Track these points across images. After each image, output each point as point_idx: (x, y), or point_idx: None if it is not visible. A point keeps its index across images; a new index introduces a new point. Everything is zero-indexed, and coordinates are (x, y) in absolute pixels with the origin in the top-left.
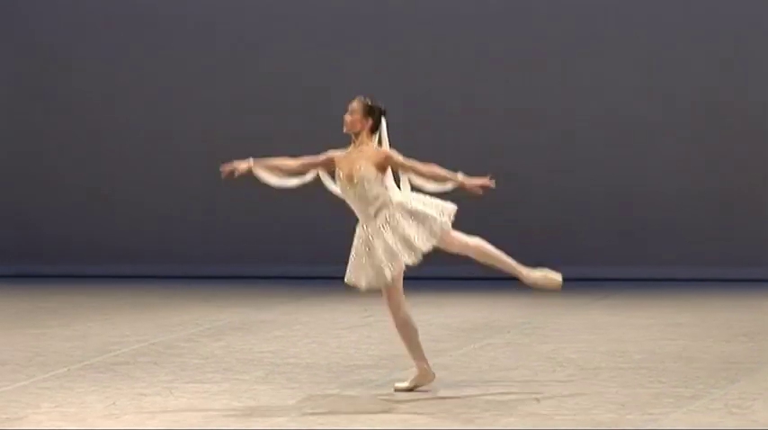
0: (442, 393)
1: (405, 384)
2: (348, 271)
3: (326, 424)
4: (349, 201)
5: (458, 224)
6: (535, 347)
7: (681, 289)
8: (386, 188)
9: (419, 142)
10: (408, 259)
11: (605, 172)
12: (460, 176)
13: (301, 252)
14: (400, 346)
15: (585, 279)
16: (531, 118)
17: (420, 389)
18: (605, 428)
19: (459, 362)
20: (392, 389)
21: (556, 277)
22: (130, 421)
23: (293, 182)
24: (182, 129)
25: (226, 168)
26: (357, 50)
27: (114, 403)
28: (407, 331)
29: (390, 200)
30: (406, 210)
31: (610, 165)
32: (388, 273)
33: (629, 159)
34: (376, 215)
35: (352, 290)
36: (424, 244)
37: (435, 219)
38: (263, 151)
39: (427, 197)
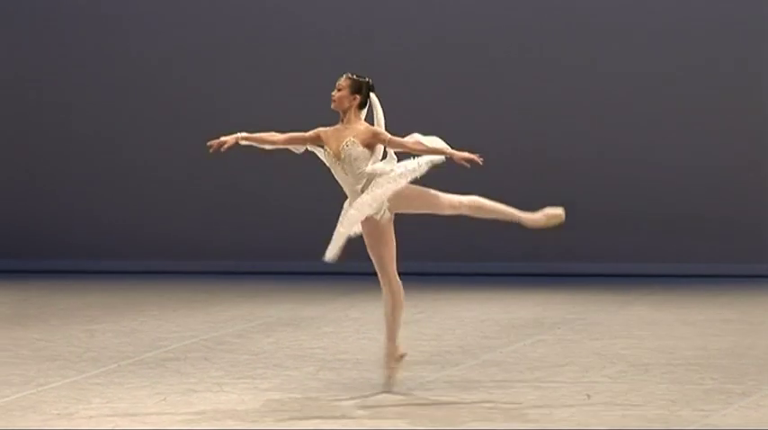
0: (492, 389)
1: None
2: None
3: (376, 418)
4: (337, 178)
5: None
6: (585, 344)
7: (726, 285)
8: (371, 164)
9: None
10: (371, 209)
11: (648, 169)
12: (448, 149)
13: (350, 248)
14: (452, 342)
15: (629, 275)
16: (578, 109)
17: (468, 386)
18: (656, 427)
19: (510, 358)
20: (444, 385)
21: (557, 211)
22: (181, 417)
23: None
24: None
25: (213, 143)
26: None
27: (165, 399)
28: (396, 310)
29: (377, 172)
30: (388, 174)
31: (652, 162)
32: (342, 236)
33: (672, 155)
34: (363, 191)
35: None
36: (386, 191)
37: (405, 171)
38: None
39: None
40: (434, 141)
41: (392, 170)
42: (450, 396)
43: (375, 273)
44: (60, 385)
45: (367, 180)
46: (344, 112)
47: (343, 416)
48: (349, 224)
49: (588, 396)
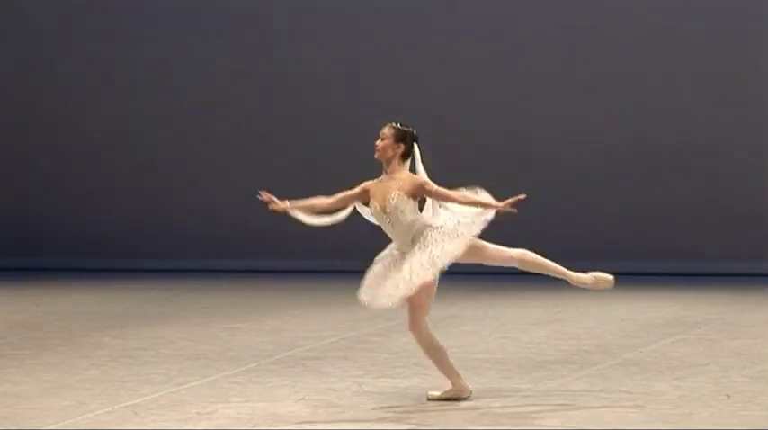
0: (630, 388)
1: (437, 393)
2: (363, 286)
3: (516, 418)
4: (385, 230)
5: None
6: (726, 343)
7: None
8: (418, 214)
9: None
10: (428, 276)
11: None
12: (493, 201)
13: None
14: (591, 342)
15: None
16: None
17: (608, 386)
18: None
19: (650, 357)
20: (583, 385)
21: (606, 277)
22: (320, 416)
23: (327, 220)
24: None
25: (265, 197)
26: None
27: (304, 398)
28: (435, 353)
29: (426, 224)
30: (439, 229)
31: None
32: (397, 301)
33: None
34: (413, 242)
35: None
36: (444, 259)
37: (463, 234)
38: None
39: (462, 211)
40: (481, 196)
41: (447, 226)
42: (589, 395)
43: (518, 272)
44: (200, 384)
45: (417, 230)
46: (388, 163)
47: (483, 416)
48: (410, 287)
49: (728, 396)
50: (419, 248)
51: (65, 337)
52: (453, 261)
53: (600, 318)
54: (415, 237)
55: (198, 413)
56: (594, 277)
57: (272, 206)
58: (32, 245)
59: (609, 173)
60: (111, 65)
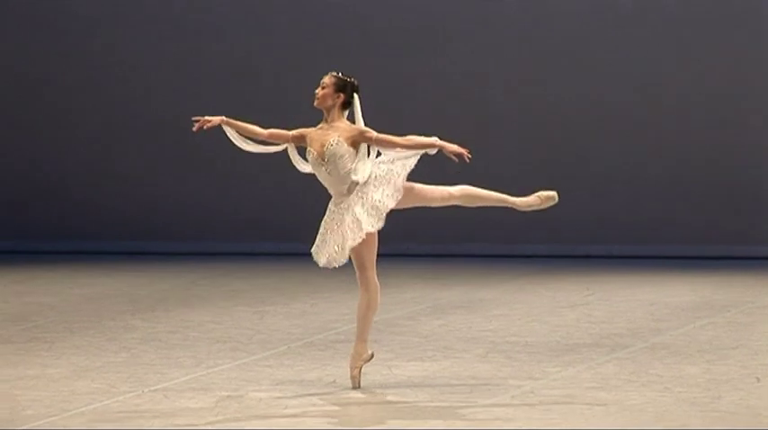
0: (660, 371)
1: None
2: (314, 245)
3: (547, 402)
4: (321, 179)
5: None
6: (757, 327)
7: None
8: (355, 164)
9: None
10: (373, 226)
11: None
12: (438, 141)
13: (519, 230)
14: (620, 325)
15: None
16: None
17: (638, 369)
18: None
19: (680, 340)
20: (612, 368)
21: (549, 193)
22: (350, 398)
23: (257, 148)
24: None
25: (199, 121)
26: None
27: (334, 381)
28: (371, 314)
29: (362, 177)
30: (374, 177)
31: None
32: (347, 252)
33: None
34: (349, 191)
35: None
36: (388, 204)
37: (399, 174)
38: None
39: (395, 154)
40: (423, 138)
41: (380, 169)
42: (618, 378)
43: (545, 256)
44: (230, 367)
45: (353, 181)
46: (327, 111)
47: (513, 399)
48: (355, 239)
49: (758, 379)
50: (357, 196)
51: (94, 321)
52: (395, 203)
53: (629, 302)
54: (350, 185)
55: (228, 396)
56: (538, 197)
57: (206, 126)
58: (65, 228)
59: (639, 157)
60: (166, 47)
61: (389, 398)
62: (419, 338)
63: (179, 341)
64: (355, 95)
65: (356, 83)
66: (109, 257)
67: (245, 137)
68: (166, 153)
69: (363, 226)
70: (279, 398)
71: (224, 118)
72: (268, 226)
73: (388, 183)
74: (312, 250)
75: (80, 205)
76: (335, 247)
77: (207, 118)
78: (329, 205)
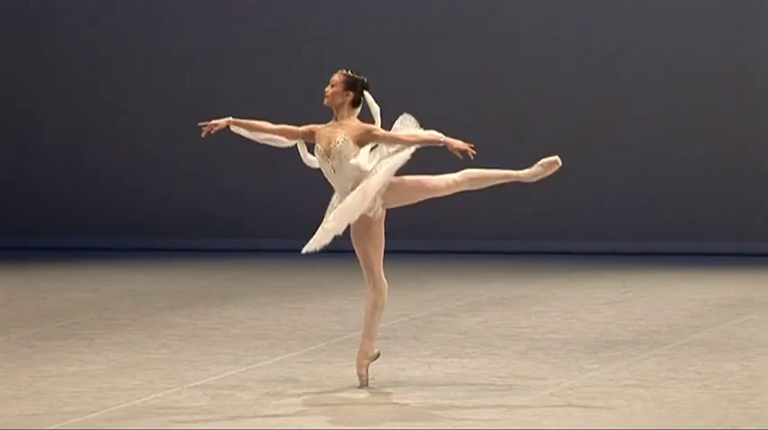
0: (699, 368)
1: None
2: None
3: (585, 398)
4: (326, 175)
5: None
6: None
7: None
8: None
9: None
10: (360, 203)
11: None
12: (442, 136)
13: (557, 226)
14: (659, 322)
15: None
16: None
17: (676, 366)
18: None
19: (719, 337)
20: (651, 365)
21: (551, 159)
22: (390, 395)
23: (270, 143)
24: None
25: (205, 126)
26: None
27: (373, 378)
28: (378, 313)
29: (365, 171)
30: (374, 172)
31: None
32: (329, 232)
33: None
34: (352, 189)
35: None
36: (374, 184)
37: (391, 163)
38: None
39: (393, 148)
40: (428, 132)
41: (377, 166)
42: (657, 375)
43: (582, 253)
44: (269, 364)
45: (357, 178)
46: (337, 109)
47: (552, 396)
48: (339, 223)
49: None
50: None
51: (134, 317)
52: (391, 197)
53: (668, 299)
54: (354, 184)
55: (267, 393)
56: (541, 165)
57: (214, 130)
58: (101, 224)
59: (681, 151)
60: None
61: (429, 395)
62: (458, 335)
63: (219, 338)
64: (366, 93)
65: (366, 80)
66: (147, 254)
67: (251, 137)
68: (208, 149)
69: (347, 200)
70: (317, 393)
71: (231, 119)
72: (307, 223)
73: (380, 170)
74: (308, 246)
75: (121, 201)
76: (323, 228)
77: (213, 122)
78: (332, 201)
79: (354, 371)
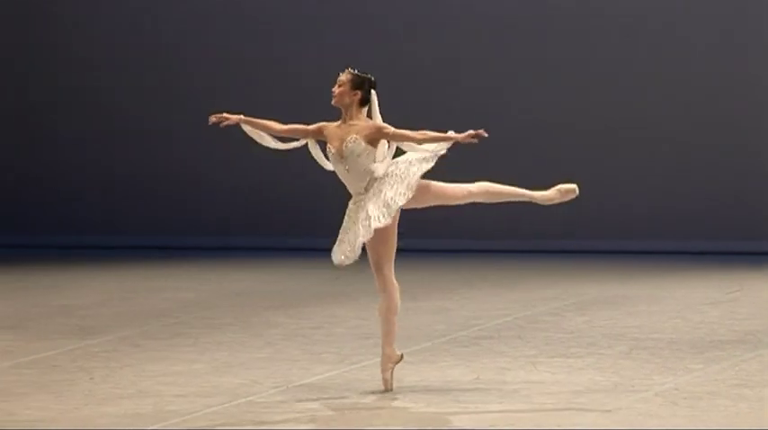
0: None
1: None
2: (334, 245)
3: (690, 399)
4: (340, 176)
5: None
6: None
7: None
8: (374, 161)
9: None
10: (380, 221)
11: None
12: (452, 134)
13: (652, 226)
14: (766, 322)
15: None
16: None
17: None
18: None
19: None
20: (756, 366)
21: (569, 186)
22: (494, 395)
23: (280, 145)
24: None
25: (214, 117)
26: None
27: (478, 377)
28: (393, 316)
29: (381, 169)
30: (391, 175)
31: None
32: (358, 250)
33: None
34: (366, 190)
35: None
36: (398, 201)
37: (414, 173)
38: None
39: (417, 151)
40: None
41: (399, 167)
42: (762, 376)
43: (681, 252)
44: (373, 363)
45: (371, 178)
46: (346, 109)
47: (656, 396)
48: (366, 236)
49: None
50: (373, 194)
51: (237, 316)
52: (408, 201)
53: None
54: (368, 183)
55: (372, 392)
56: (558, 190)
57: (224, 123)
58: (208, 224)
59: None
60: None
61: (533, 394)
62: (563, 334)
63: (323, 337)
64: (373, 92)
65: (373, 79)
66: (249, 253)
67: (264, 132)
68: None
69: (372, 222)
70: (422, 393)
71: (242, 116)
72: (414, 223)
73: (402, 181)
74: (332, 250)
75: (225, 199)
76: (348, 246)
77: (225, 115)
78: (349, 205)
79: (458, 371)
